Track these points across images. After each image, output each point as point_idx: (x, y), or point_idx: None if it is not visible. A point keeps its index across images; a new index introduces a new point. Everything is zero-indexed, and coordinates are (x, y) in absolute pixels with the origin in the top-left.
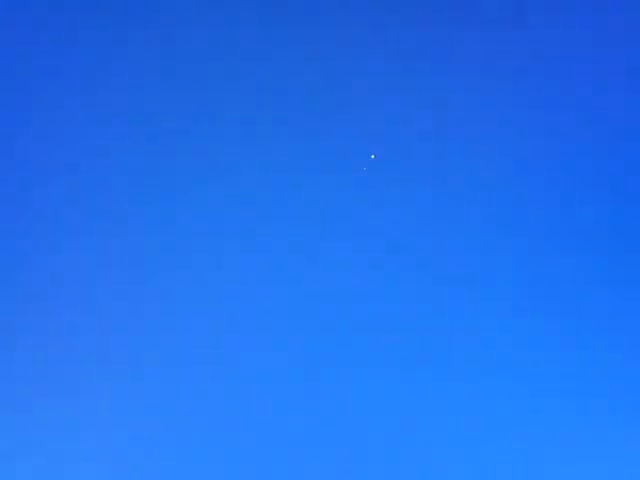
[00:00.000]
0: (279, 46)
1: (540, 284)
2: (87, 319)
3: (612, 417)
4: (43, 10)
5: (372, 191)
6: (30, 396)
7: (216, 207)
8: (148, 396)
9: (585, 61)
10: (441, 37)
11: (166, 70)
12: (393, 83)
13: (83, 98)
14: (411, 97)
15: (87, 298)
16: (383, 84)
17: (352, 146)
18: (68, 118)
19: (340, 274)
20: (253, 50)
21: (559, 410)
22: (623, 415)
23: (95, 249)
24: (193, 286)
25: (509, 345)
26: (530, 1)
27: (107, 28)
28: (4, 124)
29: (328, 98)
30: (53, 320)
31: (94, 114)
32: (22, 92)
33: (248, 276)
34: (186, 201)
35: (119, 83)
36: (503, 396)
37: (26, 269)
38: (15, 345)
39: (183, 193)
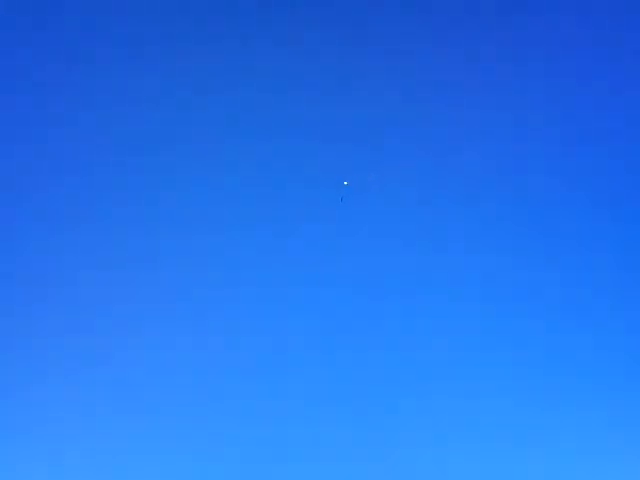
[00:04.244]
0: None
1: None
2: (85, 319)
3: (611, 417)
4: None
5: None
6: (29, 395)
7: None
8: (149, 395)
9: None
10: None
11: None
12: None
13: (81, 97)
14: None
15: (85, 297)
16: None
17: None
18: (67, 118)
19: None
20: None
21: (558, 410)
22: (622, 416)
23: (93, 251)
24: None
25: (507, 345)
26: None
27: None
28: (5, 127)
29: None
30: (51, 319)
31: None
32: (21, 93)
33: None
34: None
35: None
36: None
37: (23, 268)
38: (14, 344)
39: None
